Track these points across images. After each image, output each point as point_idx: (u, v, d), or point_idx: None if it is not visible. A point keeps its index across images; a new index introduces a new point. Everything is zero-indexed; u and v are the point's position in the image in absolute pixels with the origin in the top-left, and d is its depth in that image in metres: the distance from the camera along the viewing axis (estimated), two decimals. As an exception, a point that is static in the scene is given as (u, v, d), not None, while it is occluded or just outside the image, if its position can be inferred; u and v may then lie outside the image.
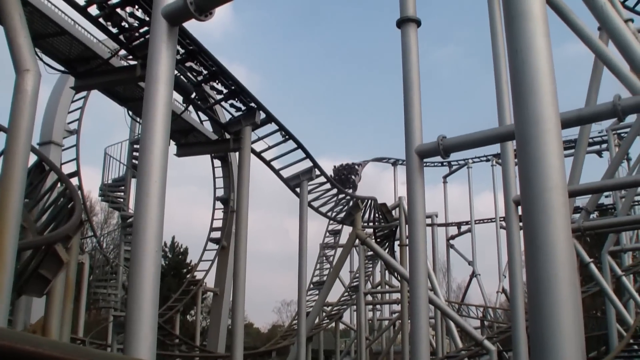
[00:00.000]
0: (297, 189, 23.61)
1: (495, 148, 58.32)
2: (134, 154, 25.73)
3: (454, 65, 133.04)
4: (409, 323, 30.76)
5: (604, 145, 47.60)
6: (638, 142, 26.30)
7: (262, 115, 18.95)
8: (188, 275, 38.71)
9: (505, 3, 5.27)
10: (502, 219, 56.42)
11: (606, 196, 46.58)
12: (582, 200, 32.88)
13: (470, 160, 57.78)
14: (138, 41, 14.07)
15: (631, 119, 25.68)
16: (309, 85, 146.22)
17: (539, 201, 4.67)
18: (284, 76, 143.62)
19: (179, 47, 14.48)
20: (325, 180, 25.63)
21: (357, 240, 30.65)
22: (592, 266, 19.27)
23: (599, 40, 11.84)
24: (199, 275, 33.23)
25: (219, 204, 32.24)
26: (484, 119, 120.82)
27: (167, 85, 8.26)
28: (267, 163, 22.09)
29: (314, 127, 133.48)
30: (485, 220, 58.98)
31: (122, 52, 15.90)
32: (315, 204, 27.28)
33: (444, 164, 58.76)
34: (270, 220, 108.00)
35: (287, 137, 21.12)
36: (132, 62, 16.10)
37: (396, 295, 42.01)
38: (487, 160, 57.76)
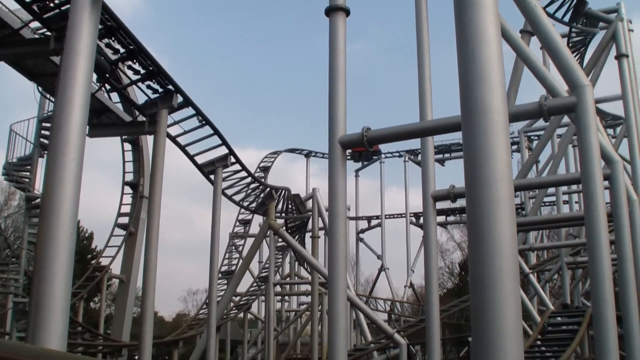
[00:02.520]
0: (211, 176, 23.19)
1: (407, 144, 59.54)
2: (43, 132, 24.63)
3: (366, 60, 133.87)
4: (319, 314, 30.74)
5: (514, 147, 49.00)
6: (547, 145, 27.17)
7: (180, 98, 18.43)
8: (93, 262, 37.52)
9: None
10: (412, 214, 57.44)
11: (515, 197, 48.05)
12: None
13: (383, 155, 58.45)
14: (53, 12, 13.37)
15: (541, 122, 26.40)
16: (225, 72, 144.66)
17: (486, 193, 4.56)
18: (197, 61, 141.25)
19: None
20: (240, 168, 25.25)
21: (269, 231, 30.42)
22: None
23: (521, 41, 11.97)
24: (104, 261, 32.28)
25: (127, 189, 31.28)
26: (391, 115, 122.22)
27: (88, 59, 7.82)
28: (182, 148, 21.57)
29: (231, 115, 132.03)
30: (396, 215, 59.79)
31: (35, 24, 15.11)
32: (229, 192, 26.88)
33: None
34: (174, 208, 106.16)
35: (204, 122, 20.67)
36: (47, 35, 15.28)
37: (305, 287, 42.07)
38: (400, 156, 58.57)
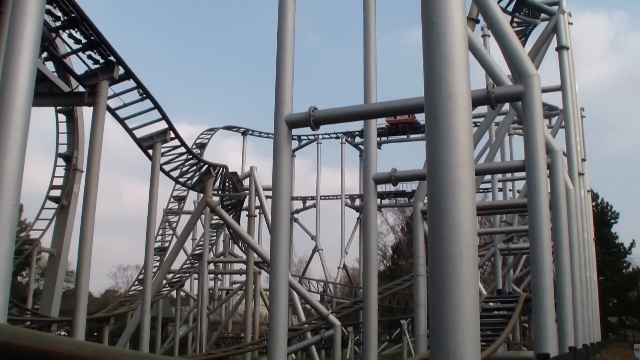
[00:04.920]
0: (150, 151, 22.79)
1: (345, 126, 59.69)
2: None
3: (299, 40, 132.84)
4: (252, 293, 30.59)
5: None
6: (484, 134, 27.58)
7: (121, 70, 18.02)
8: (22, 234, 36.50)
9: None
10: (347, 196, 57.73)
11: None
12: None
13: (320, 137, 58.50)
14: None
15: (483, 109, 26.84)
16: (159, 43, 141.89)
17: (447, 178, 4.55)
18: (132, 30, 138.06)
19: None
20: (179, 144, 24.88)
21: (205, 208, 30.14)
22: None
23: (468, 29, 12.10)
24: (34, 234, 31.45)
25: (60, 161, 30.41)
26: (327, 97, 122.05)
27: (36, 23, 7.53)
28: (121, 121, 21.13)
29: (163, 88, 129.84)
30: (331, 197, 60.02)
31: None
32: (167, 167, 26.49)
33: (294, 137, 59.01)
34: (104, 182, 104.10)
35: (144, 95, 20.26)
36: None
37: (238, 266, 41.93)
38: (337, 138, 58.71)
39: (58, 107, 28.12)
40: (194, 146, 48.97)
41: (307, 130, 57.71)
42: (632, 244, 53.35)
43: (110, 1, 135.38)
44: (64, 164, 30.21)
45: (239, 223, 37.30)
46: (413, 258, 16.94)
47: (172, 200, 48.93)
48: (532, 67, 9.42)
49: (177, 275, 40.68)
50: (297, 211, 60.41)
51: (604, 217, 52.98)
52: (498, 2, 22.42)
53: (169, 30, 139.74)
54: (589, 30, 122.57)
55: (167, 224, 48.32)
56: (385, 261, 72.14)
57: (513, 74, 9.95)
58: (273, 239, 8.68)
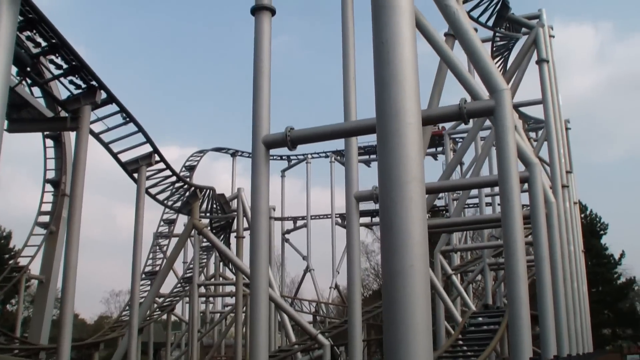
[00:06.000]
0: (135, 175, 22.80)
1: (335, 144, 59.78)
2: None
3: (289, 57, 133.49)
4: (243, 315, 30.65)
5: (440, 149, 49.70)
6: (471, 148, 27.79)
7: (104, 94, 18.09)
8: (11, 261, 36.33)
9: (374, -5, 5.20)
10: (337, 215, 57.73)
11: (439, 198, 48.87)
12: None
13: (309, 156, 58.50)
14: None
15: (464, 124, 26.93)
16: (150, 66, 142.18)
17: (398, 193, 4.64)
18: (121, 53, 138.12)
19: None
20: (164, 166, 24.88)
21: (193, 231, 30.10)
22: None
23: (445, 45, 12.20)
24: (23, 261, 31.34)
25: (48, 187, 30.41)
26: (317, 114, 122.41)
27: (7, 51, 7.61)
28: (106, 145, 21.13)
29: (155, 110, 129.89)
30: (322, 216, 59.94)
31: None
32: (153, 191, 26.47)
33: (283, 157, 59.11)
34: (97, 205, 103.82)
35: (128, 119, 20.29)
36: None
37: (230, 288, 41.80)
38: (326, 157, 58.74)
39: (46, 133, 28.17)
40: (184, 169, 48.93)
41: (296, 150, 57.94)
42: (622, 255, 53.30)
43: (98, 26, 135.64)
44: (52, 189, 30.23)
45: (228, 245, 37.24)
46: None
47: (162, 223, 48.79)
48: (503, 81, 9.54)
49: (168, 299, 40.55)
50: (288, 231, 60.27)
51: (593, 228, 52.97)
52: (478, 17, 22.73)
53: (159, 52, 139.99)
54: (576, 41, 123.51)
55: (157, 247, 48.19)
56: (378, 280, 72.00)
57: (486, 88, 10.08)
58: (252, 258, 8.77)
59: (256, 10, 9.61)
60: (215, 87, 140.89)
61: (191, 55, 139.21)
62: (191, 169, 50.23)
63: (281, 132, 8.87)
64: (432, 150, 52.83)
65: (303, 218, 59.40)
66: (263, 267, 8.66)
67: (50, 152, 29.61)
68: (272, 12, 9.71)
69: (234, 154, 58.21)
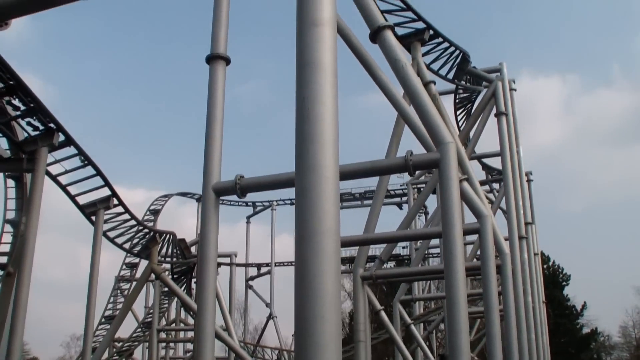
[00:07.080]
0: (93, 217, 22.62)
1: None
2: None
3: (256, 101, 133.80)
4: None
5: (405, 198, 49.93)
6: (434, 198, 27.99)
7: (62, 137, 18.04)
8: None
9: (297, 52, 5.28)
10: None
11: (403, 247, 49.04)
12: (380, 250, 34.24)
13: (275, 202, 58.43)
14: None
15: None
16: (118, 109, 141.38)
17: (311, 243, 4.70)
18: (90, 94, 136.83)
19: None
20: (123, 210, 24.74)
21: (152, 275, 29.77)
22: (383, 314, 19.81)
23: (401, 97, 12.34)
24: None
25: (7, 227, 29.88)
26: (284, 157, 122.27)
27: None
28: (63, 188, 21.02)
29: (120, 154, 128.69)
30: (285, 263, 59.65)
31: None
32: (112, 234, 26.24)
33: (249, 204, 59.00)
34: (61, 246, 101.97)
35: (86, 162, 20.23)
36: None
37: (191, 334, 41.17)
38: (292, 204, 58.69)
39: (7, 173, 27.82)
40: (148, 212, 48.64)
41: (261, 196, 57.94)
42: (584, 306, 53.96)
43: (68, 65, 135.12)
44: (12, 229, 29.70)
45: (190, 290, 36.84)
46: (354, 324, 16.88)
47: (124, 267, 48.22)
48: (449, 134, 9.63)
49: (127, 344, 39.85)
50: (252, 278, 59.78)
51: (555, 279, 53.51)
52: (438, 70, 23.11)
53: (132, 93, 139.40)
54: (544, 93, 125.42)
55: (118, 291, 47.54)
56: (343, 329, 71.44)
57: (432, 141, 10.18)
58: (199, 304, 8.71)
59: (211, 59, 9.71)
60: (186, 130, 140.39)
61: (165, 97, 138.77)
62: (155, 212, 49.93)
63: (231, 179, 8.92)
64: (397, 200, 53.10)
65: (267, 265, 59.04)
66: (209, 314, 8.59)
67: (12, 192, 29.20)
68: (227, 61, 9.81)
69: (199, 199, 57.87)
